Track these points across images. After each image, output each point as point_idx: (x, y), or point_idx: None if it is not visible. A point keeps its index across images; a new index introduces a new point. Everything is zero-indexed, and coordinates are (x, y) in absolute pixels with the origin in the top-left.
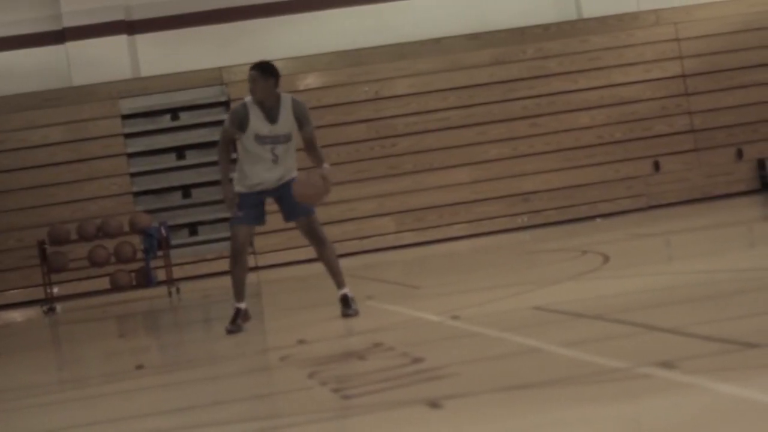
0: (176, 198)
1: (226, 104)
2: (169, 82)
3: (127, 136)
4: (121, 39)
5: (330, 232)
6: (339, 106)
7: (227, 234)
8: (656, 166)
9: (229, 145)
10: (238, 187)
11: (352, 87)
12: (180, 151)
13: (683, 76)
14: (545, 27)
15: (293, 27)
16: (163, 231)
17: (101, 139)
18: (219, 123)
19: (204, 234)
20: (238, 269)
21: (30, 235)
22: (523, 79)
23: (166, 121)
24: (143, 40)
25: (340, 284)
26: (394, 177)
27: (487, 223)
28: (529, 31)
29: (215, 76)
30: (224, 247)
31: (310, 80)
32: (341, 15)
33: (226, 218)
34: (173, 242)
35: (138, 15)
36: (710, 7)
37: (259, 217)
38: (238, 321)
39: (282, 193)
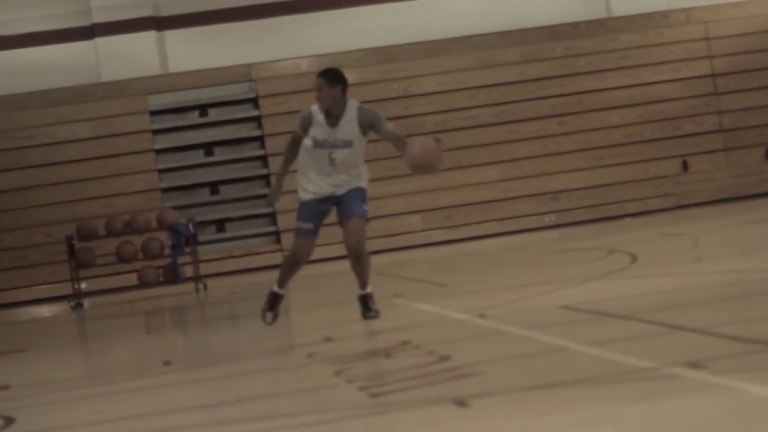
0: (204, 194)
1: (254, 101)
2: (197, 78)
3: (156, 132)
4: (150, 35)
5: None
6: (368, 104)
7: (255, 231)
8: (685, 166)
9: (294, 144)
10: (301, 195)
11: (382, 84)
12: (208, 147)
13: (713, 75)
14: (575, 25)
15: (322, 24)
16: (191, 227)
17: (130, 135)
18: (247, 119)
19: (231, 231)
20: (289, 272)
21: (58, 231)
22: (552, 78)
23: (194, 117)
24: (172, 36)
25: (362, 285)
26: (422, 175)
27: (516, 222)
28: (559, 29)
29: (244, 73)
30: (252, 244)
31: None
32: (371, 12)
33: (254, 215)
34: (201, 239)
35: (167, 11)
36: (740, 6)
37: (318, 230)
38: (277, 308)
39: (341, 199)
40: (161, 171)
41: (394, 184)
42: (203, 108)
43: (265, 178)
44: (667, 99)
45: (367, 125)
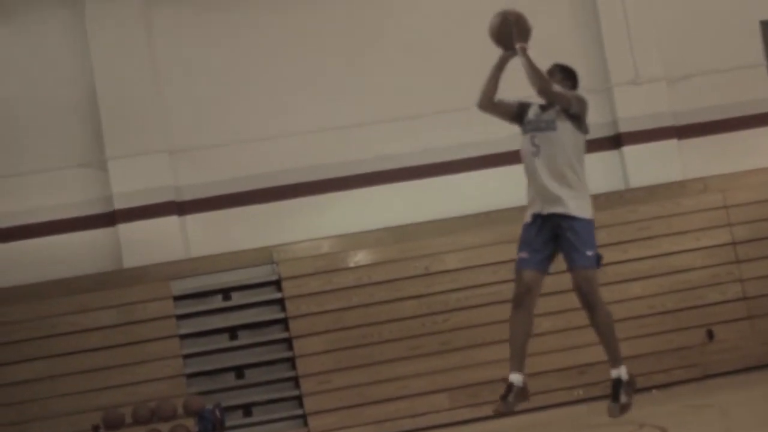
0: (229, 379)
1: (277, 283)
2: (219, 262)
3: (179, 317)
4: (172, 220)
5: (382, 411)
6: (389, 283)
7: (282, 414)
8: (710, 335)
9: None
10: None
11: (402, 263)
12: (232, 331)
13: (733, 243)
14: (594, 197)
15: (340, 204)
16: (218, 413)
17: (153, 322)
18: (270, 302)
19: (258, 415)
20: (515, 323)
21: (84, 420)
22: None
23: (217, 301)
24: (193, 220)
25: (612, 361)
26: (447, 353)
27: (543, 397)
28: None
29: (265, 255)
30: (279, 427)
31: (360, 257)
32: (388, 191)
33: (281, 398)
34: (228, 424)
35: (188, 196)
36: (758, 174)
37: (545, 261)
38: (509, 398)
39: (560, 223)
40: (186, 356)
41: (417, 363)
42: (226, 292)
43: (290, 361)
44: (689, 268)
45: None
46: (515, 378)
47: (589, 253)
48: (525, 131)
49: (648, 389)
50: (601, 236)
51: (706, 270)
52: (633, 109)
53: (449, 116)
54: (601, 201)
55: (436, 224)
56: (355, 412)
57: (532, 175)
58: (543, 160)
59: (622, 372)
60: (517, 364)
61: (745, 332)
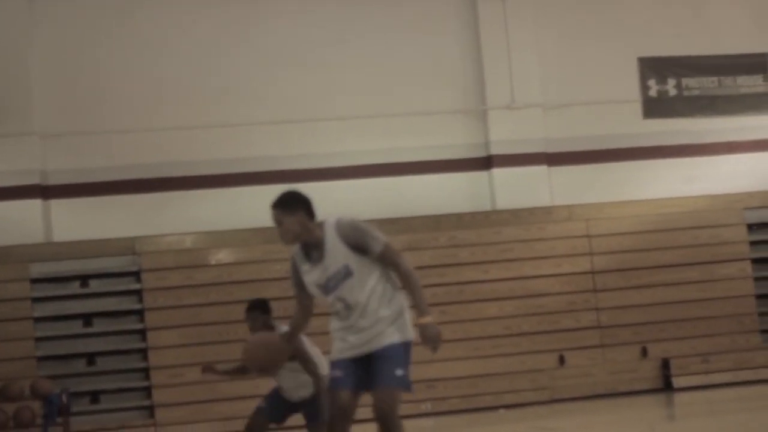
0: (80, 365)
1: (136, 274)
2: (81, 248)
3: (35, 300)
4: (36, 203)
5: (232, 408)
6: (250, 283)
7: (129, 404)
8: (561, 360)
9: (300, 307)
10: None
11: (266, 264)
12: (87, 318)
13: (592, 272)
14: (459, 216)
15: (208, 202)
16: (64, 398)
17: (8, 302)
18: (128, 292)
19: (106, 403)
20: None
21: None
22: (434, 267)
23: (75, 287)
24: (58, 205)
25: None
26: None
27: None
28: (444, 219)
29: (128, 246)
30: (125, 417)
31: (222, 255)
32: (257, 192)
33: (130, 388)
34: (74, 410)
35: (54, 180)
36: (622, 206)
37: (364, 382)
38: None
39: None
40: (38, 339)
41: None
42: (85, 278)
43: (143, 352)
44: (546, 293)
45: (352, 242)
46: None
47: (400, 371)
48: (325, 293)
49: (495, 408)
50: (464, 255)
51: (563, 296)
52: (506, 132)
53: (331, 124)
54: (466, 220)
55: None
56: (205, 407)
57: (348, 332)
58: (356, 309)
59: None
60: None
61: (597, 360)
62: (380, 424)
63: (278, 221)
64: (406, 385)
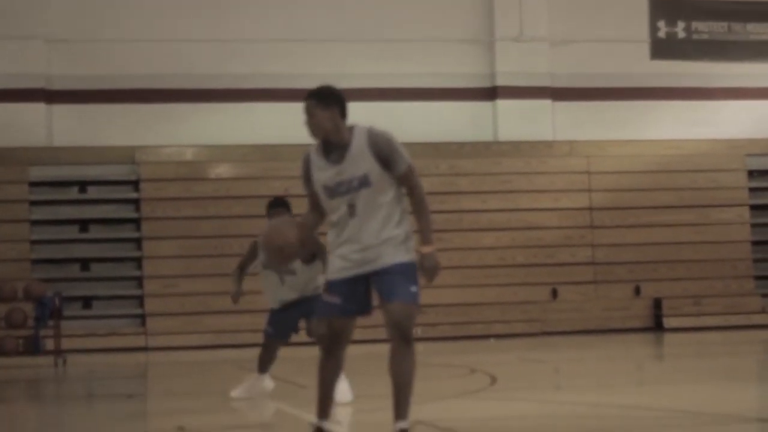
0: (74, 270)
1: (135, 183)
2: (81, 154)
3: (33, 203)
4: (39, 107)
5: (223, 321)
6: (247, 198)
7: (121, 311)
8: (554, 294)
9: (312, 207)
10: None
11: (265, 181)
12: (84, 224)
13: (590, 208)
14: (460, 145)
15: (211, 115)
16: (57, 301)
17: (6, 204)
18: (126, 201)
19: (97, 309)
20: (324, 369)
21: None
22: (434, 193)
23: (73, 192)
24: (61, 110)
25: (398, 414)
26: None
27: (381, 330)
28: (444, 146)
29: (128, 154)
30: (117, 324)
31: (222, 170)
32: (260, 109)
33: (123, 296)
34: (66, 314)
35: (58, 85)
36: (624, 145)
37: (363, 305)
38: None
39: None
40: (34, 242)
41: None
42: (83, 185)
43: (138, 260)
44: (543, 227)
45: (381, 154)
46: (321, 423)
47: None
48: (330, 196)
49: (486, 337)
50: (463, 184)
51: (560, 230)
52: (512, 64)
53: (337, 45)
54: (467, 149)
55: (304, 148)
56: (196, 319)
57: (347, 236)
58: (361, 217)
59: (406, 424)
60: (321, 410)
61: (589, 295)
62: (397, 339)
63: (311, 113)
64: (418, 303)
